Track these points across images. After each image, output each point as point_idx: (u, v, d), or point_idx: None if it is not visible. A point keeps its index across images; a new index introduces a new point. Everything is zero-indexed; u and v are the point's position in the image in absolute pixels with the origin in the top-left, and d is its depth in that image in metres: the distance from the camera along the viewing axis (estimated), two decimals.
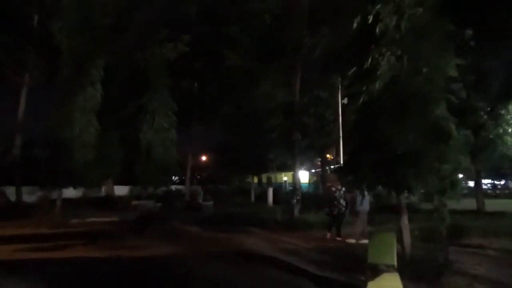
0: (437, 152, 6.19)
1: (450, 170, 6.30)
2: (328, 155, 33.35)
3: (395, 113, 6.38)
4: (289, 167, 49.56)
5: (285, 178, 50.33)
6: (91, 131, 13.71)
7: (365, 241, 10.00)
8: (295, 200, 14.63)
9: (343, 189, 10.71)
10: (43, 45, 17.22)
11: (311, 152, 32.71)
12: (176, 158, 16.84)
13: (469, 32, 7.33)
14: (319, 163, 44.04)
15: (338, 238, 10.73)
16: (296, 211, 14.41)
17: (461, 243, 10.26)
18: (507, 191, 44.14)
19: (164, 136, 16.02)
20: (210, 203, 22.02)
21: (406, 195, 6.93)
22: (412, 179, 6.14)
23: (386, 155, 6.36)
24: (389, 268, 4.99)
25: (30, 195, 20.29)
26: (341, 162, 20.31)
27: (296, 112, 20.68)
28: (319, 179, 42.47)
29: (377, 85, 6.67)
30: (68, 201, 17.53)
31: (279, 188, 35.60)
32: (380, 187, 7.61)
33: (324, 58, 20.73)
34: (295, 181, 20.99)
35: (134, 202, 19.29)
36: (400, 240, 6.78)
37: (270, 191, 23.79)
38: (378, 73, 6.69)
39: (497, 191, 45.37)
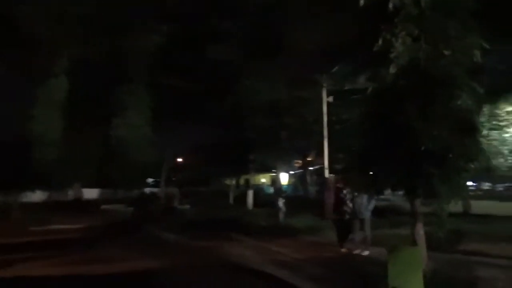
0: (465, 149, 5.25)
1: (478, 170, 5.39)
2: (308, 157, 32.61)
3: (415, 102, 5.40)
4: (268, 168, 48.69)
5: (263, 180, 49.35)
6: (56, 128, 12.15)
7: (367, 252, 9.01)
8: (281, 203, 13.47)
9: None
10: (8, 32, 15.38)
11: (291, 153, 31.75)
12: (151, 158, 15.34)
13: None
14: (296, 164, 43.33)
15: (344, 250, 9.44)
16: (282, 215, 13.30)
17: (460, 249, 9.47)
18: (480, 192, 43.56)
19: (138, 133, 14.43)
20: (187, 206, 20.72)
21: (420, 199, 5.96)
22: (438, 181, 5.17)
23: (406, 152, 5.36)
24: None
25: None
26: (325, 163, 19.43)
27: (281, 110, 19.73)
28: (298, 181, 41.78)
29: (391, 69, 5.69)
30: (31, 206, 15.85)
31: (258, 190, 34.55)
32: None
33: (309, 55, 19.88)
34: (277, 183, 20.04)
35: (104, 206, 17.72)
36: None
37: (250, 194, 22.69)
38: (392, 55, 5.72)
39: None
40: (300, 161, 41.89)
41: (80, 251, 9.50)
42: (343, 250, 9.38)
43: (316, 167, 35.89)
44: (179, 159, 39.92)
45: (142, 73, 14.37)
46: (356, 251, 9.18)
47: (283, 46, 18.74)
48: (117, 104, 13.75)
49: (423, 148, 5.24)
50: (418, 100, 5.40)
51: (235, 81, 21.11)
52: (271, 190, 40.99)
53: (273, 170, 48.26)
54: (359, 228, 9.32)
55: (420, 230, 6.02)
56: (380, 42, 5.98)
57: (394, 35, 5.85)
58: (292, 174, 44.84)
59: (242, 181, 37.84)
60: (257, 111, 23.02)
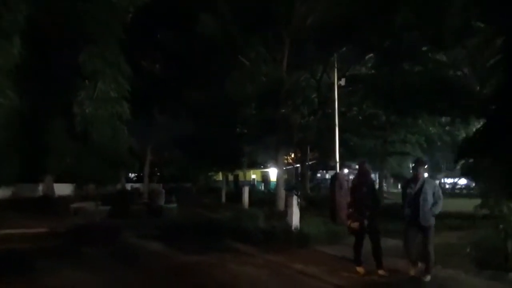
0: None
1: None
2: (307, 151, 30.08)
3: None
4: (259, 164, 46.09)
5: (253, 176, 46.93)
6: (4, 103, 9.14)
7: (429, 277, 6.38)
8: (294, 204, 10.66)
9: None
10: None
11: (284, 147, 29.24)
12: (130, 146, 12.26)
13: None
14: (285, 161, 40.83)
15: (382, 272, 6.66)
16: (295, 219, 10.56)
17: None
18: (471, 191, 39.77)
19: (111, 110, 11.14)
20: (174, 205, 17.89)
21: None
22: None
23: None
24: None
25: None
26: (336, 156, 16.81)
27: (282, 94, 17.05)
28: (290, 177, 39.37)
29: None
30: None
31: (251, 187, 31.94)
32: None
33: (316, 33, 17.20)
34: (287, 178, 17.45)
35: (74, 205, 14.70)
36: None
37: (246, 190, 20.00)
38: None
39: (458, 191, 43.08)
40: (289, 156, 39.34)
41: (17, 275, 6.52)
42: (381, 272, 6.68)
43: (310, 162, 33.47)
44: (165, 152, 36.91)
45: (117, 29, 11.12)
46: (412, 273, 6.53)
47: (291, 17, 15.97)
48: (84, 72, 10.61)
49: None
50: None
51: (230, 62, 18.32)
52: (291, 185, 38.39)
53: (261, 166, 45.87)
54: (421, 240, 6.58)
55: None
56: None
57: None
58: (284, 170, 42.40)
59: (231, 177, 35.20)
60: (252, 98, 20.36)
